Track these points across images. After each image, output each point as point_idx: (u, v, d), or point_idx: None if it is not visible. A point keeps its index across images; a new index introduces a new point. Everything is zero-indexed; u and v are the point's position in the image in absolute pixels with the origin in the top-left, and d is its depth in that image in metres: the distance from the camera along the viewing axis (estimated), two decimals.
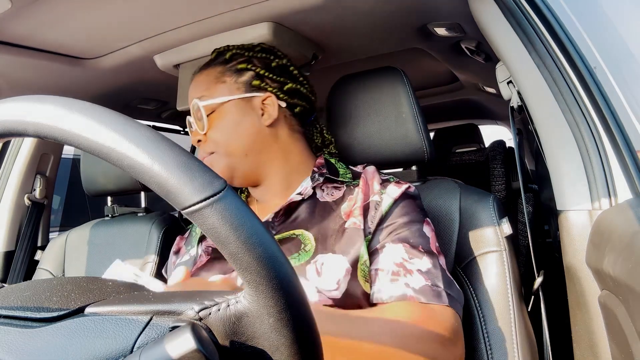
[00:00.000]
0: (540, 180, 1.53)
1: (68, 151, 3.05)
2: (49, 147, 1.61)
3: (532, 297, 0.84)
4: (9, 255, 1.54)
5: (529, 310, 0.84)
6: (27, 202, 1.57)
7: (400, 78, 0.95)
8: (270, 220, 0.80)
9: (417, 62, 1.49)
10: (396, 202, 0.77)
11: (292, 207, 0.80)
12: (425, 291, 0.68)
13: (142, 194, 1.51)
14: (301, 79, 0.92)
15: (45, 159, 1.62)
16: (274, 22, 0.98)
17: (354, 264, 0.71)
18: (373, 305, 0.71)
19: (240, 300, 0.33)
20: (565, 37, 0.76)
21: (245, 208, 0.29)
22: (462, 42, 1.20)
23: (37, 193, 1.58)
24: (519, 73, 0.79)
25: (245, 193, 0.95)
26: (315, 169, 0.85)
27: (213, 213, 0.28)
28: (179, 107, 1.11)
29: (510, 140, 2.18)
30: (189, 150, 1.21)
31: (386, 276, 0.70)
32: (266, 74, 0.87)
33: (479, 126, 2.59)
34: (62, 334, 0.34)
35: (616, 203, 0.68)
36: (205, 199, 0.29)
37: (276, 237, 0.78)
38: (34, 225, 1.58)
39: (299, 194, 0.80)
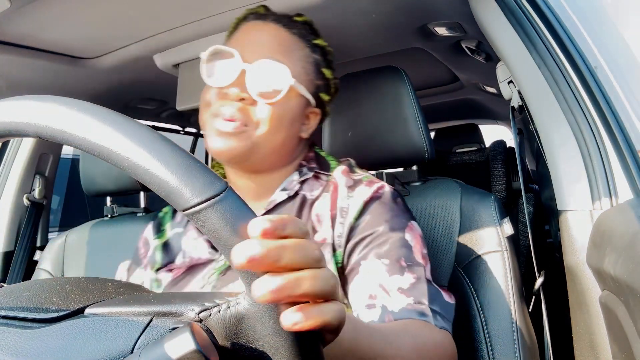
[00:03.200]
0: (540, 180, 1.52)
1: (67, 151, 3.05)
2: (48, 147, 1.61)
3: (533, 297, 0.84)
4: (8, 256, 1.54)
5: (530, 310, 0.84)
6: (26, 202, 1.57)
7: (400, 77, 0.95)
8: None
9: (417, 62, 1.49)
10: (367, 206, 0.67)
11: (274, 208, 0.72)
12: (407, 313, 0.60)
13: (142, 194, 1.51)
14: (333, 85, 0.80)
15: (45, 159, 1.61)
16: None
17: None
18: None
19: (241, 301, 0.33)
20: (566, 36, 0.76)
21: (247, 209, 0.29)
22: (462, 41, 1.20)
23: (36, 193, 1.58)
24: (520, 73, 0.79)
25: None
26: (304, 162, 0.76)
27: (214, 214, 0.28)
28: (179, 107, 1.10)
29: (510, 140, 2.18)
30: (188, 150, 1.20)
31: (363, 302, 0.62)
32: (331, 84, 0.78)
33: (479, 126, 2.59)
34: (62, 335, 0.34)
35: (617, 203, 0.68)
36: (206, 200, 0.28)
37: None
38: (33, 225, 1.57)
39: (284, 189, 0.72)
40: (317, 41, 0.77)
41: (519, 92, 0.83)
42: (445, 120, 2.61)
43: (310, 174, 0.74)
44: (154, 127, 1.76)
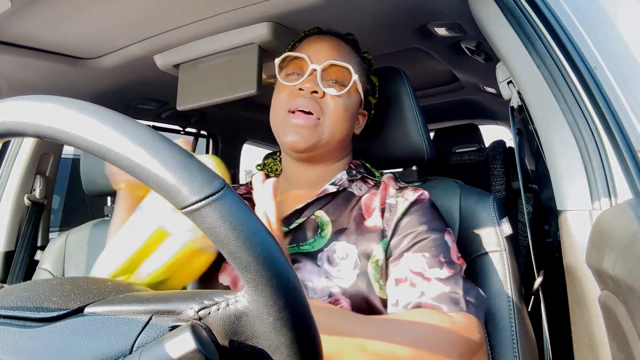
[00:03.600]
0: (540, 180, 1.52)
1: (68, 151, 3.06)
2: (48, 147, 1.61)
3: (532, 297, 0.84)
4: (8, 256, 1.54)
5: (529, 310, 0.84)
6: (27, 202, 1.57)
7: (400, 78, 0.95)
8: (300, 207, 0.79)
9: (417, 62, 1.49)
10: (412, 206, 0.76)
11: (325, 196, 0.81)
12: (443, 299, 0.67)
13: None
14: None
15: (45, 159, 1.62)
16: (274, 22, 0.98)
17: (365, 259, 0.72)
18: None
19: (240, 299, 0.33)
20: (565, 37, 0.76)
21: (245, 207, 0.29)
22: (462, 42, 1.20)
23: (37, 193, 1.58)
24: (519, 73, 0.79)
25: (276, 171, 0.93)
26: (352, 165, 0.86)
27: (212, 212, 0.28)
28: (179, 107, 1.10)
29: (510, 140, 2.18)
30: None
31: (403, 285, 0.70)
32: (376, 89, 0.91)
33: (479, 126, 2.58)
34: (61, 334, 0.34)
35: (616, 203, 0.68)
36: (204, 199, 0.28)
37: (298, 220, 0.78)
38: (33, 225, 1.58)
39: (333, 183, 0.81)
40: (365, 54, 0.91)
41: (519, 93, 0.83)
42: (445, 120, 2.61)
43: (359, 176, 0.84)
44: (154, 127, 1.76)
